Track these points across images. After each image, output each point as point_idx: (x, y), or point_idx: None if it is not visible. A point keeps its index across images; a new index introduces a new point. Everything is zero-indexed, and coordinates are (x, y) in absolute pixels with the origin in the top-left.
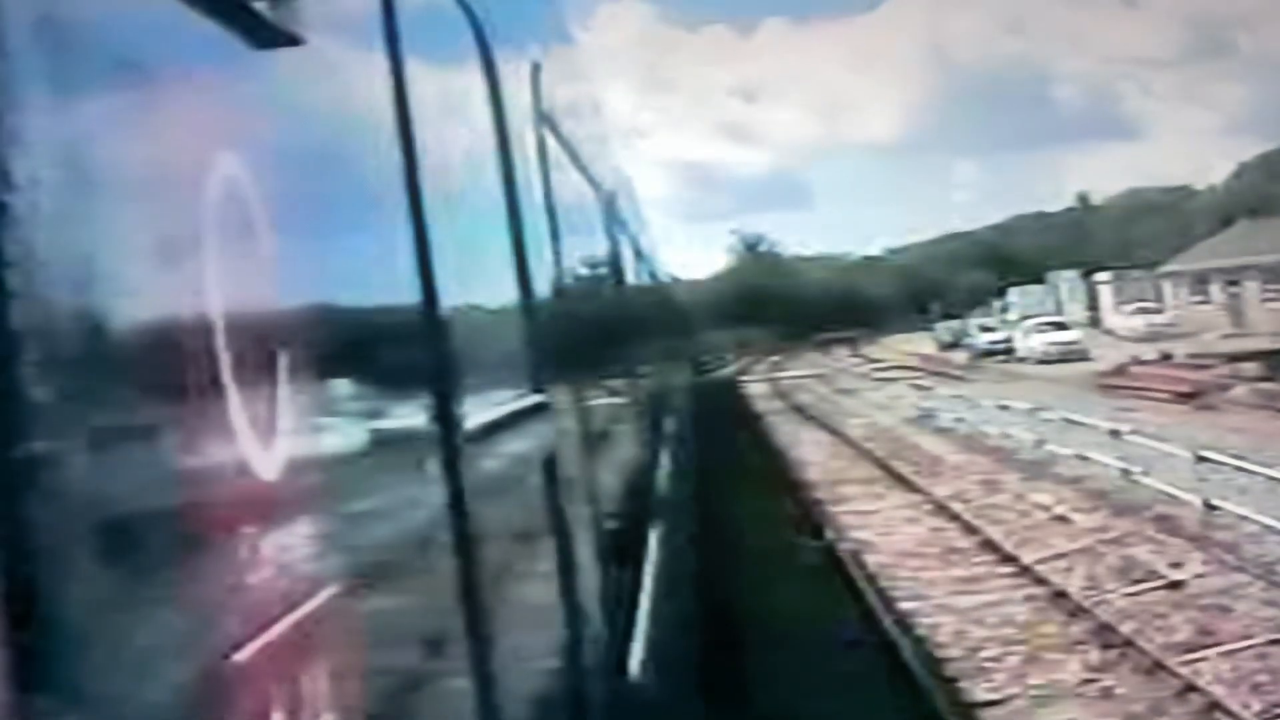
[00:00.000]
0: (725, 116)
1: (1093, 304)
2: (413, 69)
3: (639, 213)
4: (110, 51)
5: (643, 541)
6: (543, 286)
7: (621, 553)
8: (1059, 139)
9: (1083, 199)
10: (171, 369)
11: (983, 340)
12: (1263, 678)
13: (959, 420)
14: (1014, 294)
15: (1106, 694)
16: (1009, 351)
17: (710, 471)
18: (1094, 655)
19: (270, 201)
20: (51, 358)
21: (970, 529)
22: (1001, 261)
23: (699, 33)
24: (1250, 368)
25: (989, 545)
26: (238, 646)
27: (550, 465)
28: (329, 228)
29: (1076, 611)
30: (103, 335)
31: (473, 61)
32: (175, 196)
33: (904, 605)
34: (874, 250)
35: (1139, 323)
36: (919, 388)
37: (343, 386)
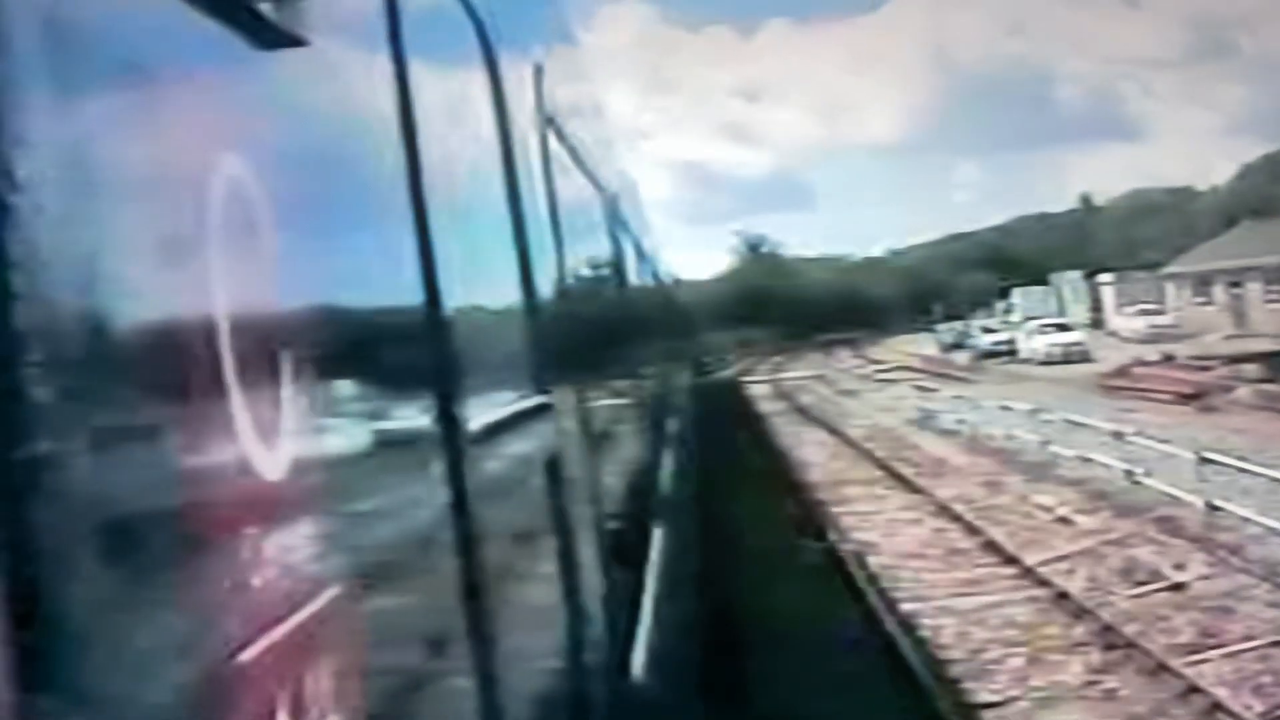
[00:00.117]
0: (727, 117)
1: (1095, 305)
2: (416, 70)
3: (641, 214)
4: (115, 52)
5: (645, 542)
6: (545, 288)
7: (623, 553)
8: (1061, 140)
9: (1085, 200)
10: (175, 370)
11: (985, 341)
12: (1266, 679)
13: (961, 421)
14: (1016, 295)
15: (1109, 695)
16: (1011, 353)
17: (712, 472)
18: (1096, 657)
19: (274, 202)
20: (55, 358)
21: (972, 530)
22: (1004, 262)
23: (700, 33)
24: (1252, 369)
25: (991, 546)
26: (241, 647)
27: (553, 466)
28: (332, 229)
29: (1079, 613)
30: (106, 336)
31: (476, 63)
32: (179, 197)
33: (906, 607)
34: (876, 251)
35: (1141, 324)
36: (921, 389)
37: (346, 387)
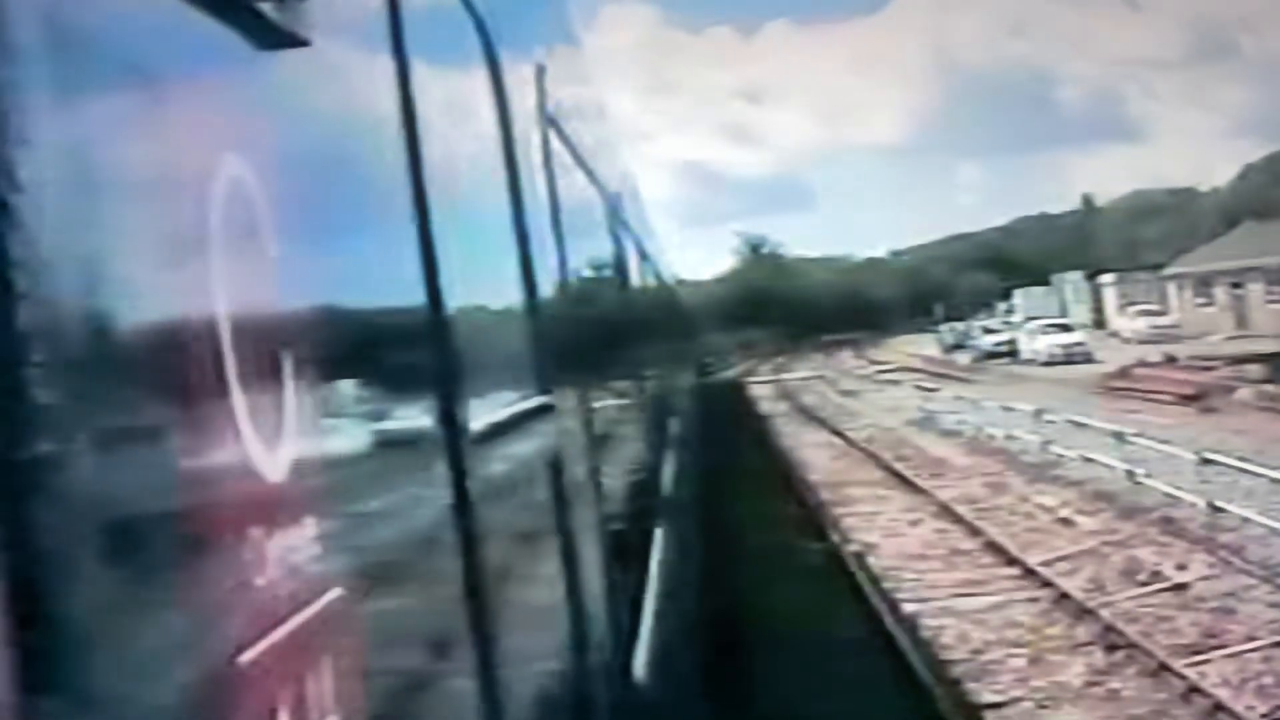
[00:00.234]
0: (728, 118)
1: (1097, 306)
2: (418, 71)
3: (643, 214)
4: (117, 53)
5: (647, 543)
6: (547, 288)
7: (626, 554)
8: (1063, 141)
9: (1087, 201)
10: (177, 371)
11: (986, 342)
12: (1268, 680)
13: (962, 422)
14: (1018, 296)
15: (1111, 696)
16: (1013, 353)
17: (714, 473)
18: (1098, 657)
19: (276, 203)
20: (57, 359)
21: (974, 531)
22: (1005, 263)
23: (702, 34)
24: (1254, 370)
25: (993, 547)
26: (243, 648)
27: (555, 467)
28: (334, 229)
29: (1081, 614)
30: (108, 337)
31: (478, 63)
32: (182, 198)
33: (908, 607)
34: (878, 252)
35: (1143, 325)
36: (923, 389)
37: (348, 388)
